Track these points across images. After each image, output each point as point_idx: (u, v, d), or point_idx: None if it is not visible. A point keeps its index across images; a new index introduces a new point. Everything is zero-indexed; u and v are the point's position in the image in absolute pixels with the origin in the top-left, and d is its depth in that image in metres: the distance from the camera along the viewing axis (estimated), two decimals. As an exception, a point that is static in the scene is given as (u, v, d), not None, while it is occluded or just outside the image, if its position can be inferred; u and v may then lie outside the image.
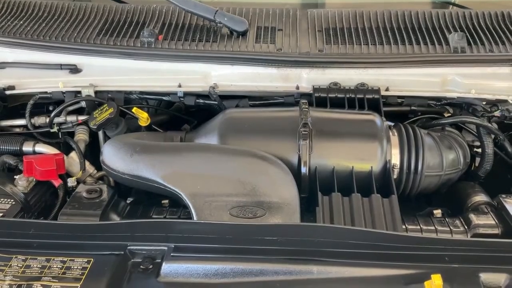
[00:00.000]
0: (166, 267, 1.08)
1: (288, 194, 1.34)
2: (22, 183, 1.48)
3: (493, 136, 1.62)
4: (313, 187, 1.42)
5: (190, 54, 1.72)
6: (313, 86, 1.66)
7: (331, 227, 1.24)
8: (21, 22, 1.85)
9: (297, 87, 1.68)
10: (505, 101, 1.64)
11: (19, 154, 1.60)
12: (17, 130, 1.74)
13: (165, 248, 1.11)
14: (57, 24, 1.84)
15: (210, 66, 1.71)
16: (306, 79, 1.69)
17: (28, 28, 1.81)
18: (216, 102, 1.69)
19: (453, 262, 1.08)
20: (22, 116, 1.71)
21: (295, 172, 1.42)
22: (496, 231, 1.36)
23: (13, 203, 1.41)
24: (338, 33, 1.80)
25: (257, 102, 1.73)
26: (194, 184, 1.35)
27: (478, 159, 1.67)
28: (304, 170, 1.42)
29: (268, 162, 1.40)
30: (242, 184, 1.34)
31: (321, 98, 1.63)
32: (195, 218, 1.29)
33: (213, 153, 1.43)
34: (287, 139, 1.45)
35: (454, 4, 2.16)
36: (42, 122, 1.71)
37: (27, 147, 1.62)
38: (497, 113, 1.62)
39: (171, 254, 1.10)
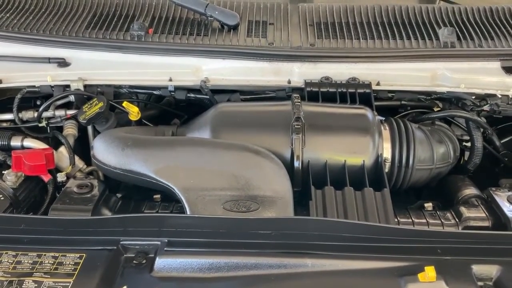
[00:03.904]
0: (160, 262, 1.07)
1: (281, 188, 1.34)
2: (10, 178, 1.46)
3: (481, 130, 1.64)
4: (306, 181, 1.42)
5: (181, 48, 1.70)
6: (305, 81, 1.66)
7: (325, 220, 1.24)
8: (8, 15, 1.81)
9: (289, 81, 1.68)
10: (494, 96, 1.66)
11: (7, 149, 1.58)
12: (5, 124, 1.71)
13: (158, 242, 1.11)
14: (45, 17, 1.81)
15: (201, 60, 1.70)
16: (297, 73, 1.68)
17: (15, 21, 1.77)
18: (208, 96, 1.68)
19: (446, 254, 1.09)
20: (9, 110, 1.68)
21: (288, 166, 1.42)
22: (486, 223, 1.38)
23: (2, 198, 1.39)
24: (329, 28, 1.81)
25: (248, 97, 1.72)
26: (187, 178, 1.34)
27: (467, 153, 1.69)
28: (297, 164, 1.42)
29: (261, 156, 1.39)
30: (236, 178, 1.34)
31: (313, 93, 1.63)
32: (188, 213, 1.28)
33: (206, 147, 1.42)
34: (280, 133, 1.45)
35: (442, -1, 2.19)
36: (30, 116, 1.68)
37: (15, 142, 1.59)
38: (486, 107, 1.64)
39: (165, 248, 1.09)
